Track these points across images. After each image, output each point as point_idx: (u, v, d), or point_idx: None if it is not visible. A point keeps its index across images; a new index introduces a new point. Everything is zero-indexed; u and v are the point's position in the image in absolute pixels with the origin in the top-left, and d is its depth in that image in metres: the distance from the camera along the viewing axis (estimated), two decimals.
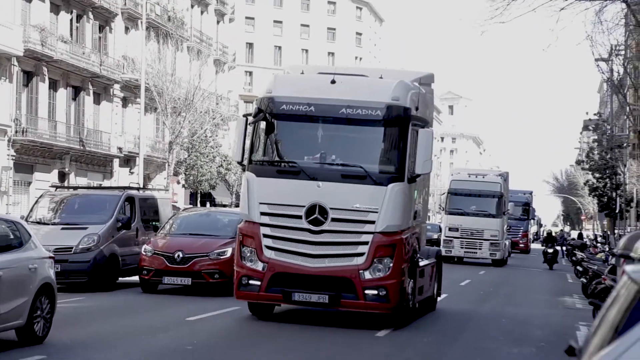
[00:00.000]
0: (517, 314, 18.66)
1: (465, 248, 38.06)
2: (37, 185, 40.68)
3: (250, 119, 14.39)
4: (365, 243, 13.67)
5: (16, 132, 39.22)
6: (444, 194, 40.99)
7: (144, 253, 19.12)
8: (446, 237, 38.41)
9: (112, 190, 23.69)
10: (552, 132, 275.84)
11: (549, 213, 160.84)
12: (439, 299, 18.34)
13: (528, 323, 17.09)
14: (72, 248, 19.01)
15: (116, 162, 48.71)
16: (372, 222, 13.63)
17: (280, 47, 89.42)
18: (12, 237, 11.76)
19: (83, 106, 45.50)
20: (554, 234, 47.01)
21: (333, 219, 13.62)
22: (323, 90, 14.27)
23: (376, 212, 13.62)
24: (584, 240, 46.96)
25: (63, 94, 43.56)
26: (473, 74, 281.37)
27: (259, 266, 13.93)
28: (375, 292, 13.66)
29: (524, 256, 51.85)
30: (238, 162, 14.49)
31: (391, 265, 13.66)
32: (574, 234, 65.01)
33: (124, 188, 23.01)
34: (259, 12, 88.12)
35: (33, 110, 40.82)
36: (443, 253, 37.72)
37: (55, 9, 42.67)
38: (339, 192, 13.70)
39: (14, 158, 39.36)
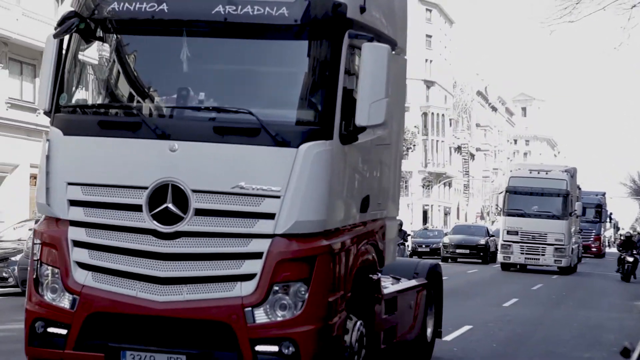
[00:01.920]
0: (590, 318, 18.32)
1: (526, 254, 34.24)
2: None
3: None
4: (257, 256, 7.28)
5: None
6: (501, 192, 36.74)
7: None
8: (504, 241, 34.68)
9: None
10: (629, 132, 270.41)
11: (626, 216, 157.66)
12: (438, 340, 11.92)
13: (601, 327, 16.77)
14: None
15: None
16: (271, 217, 7.27)
17: None
18: None
19: None
20: (633, 238, 43.13)
21: (198, 212, 7.30)
22: None
23: (278, 197, 7.23)
24: None
25: None
26: (545, 75, 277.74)
27: (66, 301, 7.60)
28: (273, 348, 7.29)
29: (598, 261, 50.77)
30: (45, 113, 8.09)
31: (306, 296, 7.26)
32: None
33: None
34: None
35: None
36: (501, 260, 35.01)
37: None
38: (210, 160, 7.38)
39: None
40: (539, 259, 34.36)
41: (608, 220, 65.27)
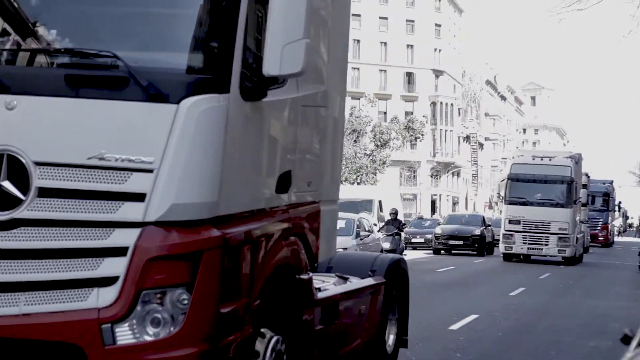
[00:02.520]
0: (596, 307, 18.33)
1: (529, 244, 32.62)
2: None
3: None
4: (121, 252, 5.33)
5: None
6: (503, 180, 34.96)
7: None
8: (506, 231, 33.02)
9: None
10: (638, 121, 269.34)
11: (635, 205, 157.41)
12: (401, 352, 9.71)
13: (607, 316, 16.78)
14: None
15: None
16: (140, 198, 5.37)
17: (358, 41, 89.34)
18: None
19: None
20: None
21: (43, 192, 5.38)
22: None
23: (150, 172, 5.37)
24: None
25: None
26: (555, 64, 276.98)
27: None
28: None
29: (605, 250, 50.17)
30: None
31: (188, 307, 5.30)
32: None
33: None
34: None
35: None
36: (502, 250, 33.12)
37: None
38: (60, 120, 5.43)
39: None
40: (542, 249, 32.76)
41: (617, 209, 65.22)
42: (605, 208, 52.95)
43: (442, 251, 38.01)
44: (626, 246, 62.08)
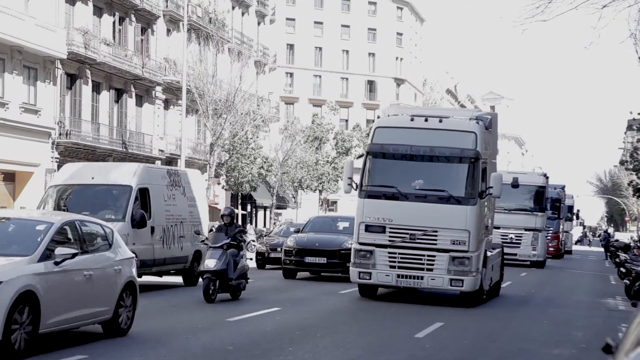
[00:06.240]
0: (559, 316, 18.50)
1: (400, 267, 18.39)
2: None
3: None
4: None
5: (60, 134, 39.72)
6: (360, 156, 21.95)
7: None
8: (360, 245, 18.69)
9: None
10: (596, 132, 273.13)
11: (592, 214, 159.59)
12: None
13: (569, 324, 16.95)
14: None
15: (158, 164, 49.17)
16: None
17: (320, 48, 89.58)
18: None
19: (125, 108, 45.94)
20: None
21: None
22: None
23: None
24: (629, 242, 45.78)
25: (106, 96, 44.03)
26: (515, 74, 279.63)
27: None
28: None
29: (558, 263, 44.52)
30: None
31: None
32: (621, 236, 64.46)
33: None
34: (299, 13, 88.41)
35: (76, 112, 41.32)
36: (355, 278, 18.89)
37: (98, 11, 43.15)
38: None
39: (57, 160, 39.86)
40: (422, 278, 18.40)
41: (575, 217, 65.11)
42: (556, 215, 45.61)
43: (297, 273, 25.35)
44: (583, 255, 62.71)
